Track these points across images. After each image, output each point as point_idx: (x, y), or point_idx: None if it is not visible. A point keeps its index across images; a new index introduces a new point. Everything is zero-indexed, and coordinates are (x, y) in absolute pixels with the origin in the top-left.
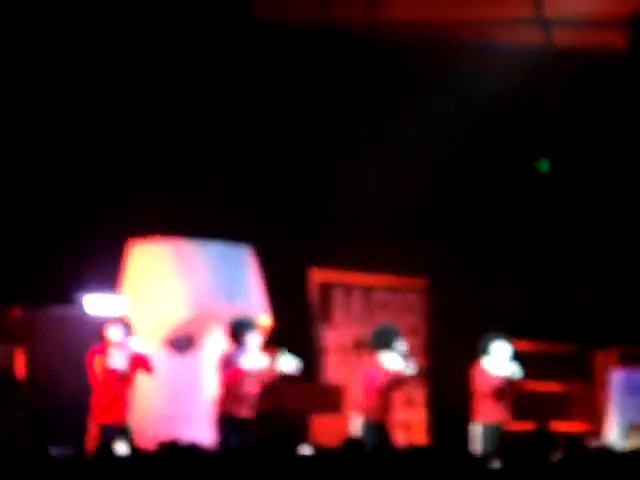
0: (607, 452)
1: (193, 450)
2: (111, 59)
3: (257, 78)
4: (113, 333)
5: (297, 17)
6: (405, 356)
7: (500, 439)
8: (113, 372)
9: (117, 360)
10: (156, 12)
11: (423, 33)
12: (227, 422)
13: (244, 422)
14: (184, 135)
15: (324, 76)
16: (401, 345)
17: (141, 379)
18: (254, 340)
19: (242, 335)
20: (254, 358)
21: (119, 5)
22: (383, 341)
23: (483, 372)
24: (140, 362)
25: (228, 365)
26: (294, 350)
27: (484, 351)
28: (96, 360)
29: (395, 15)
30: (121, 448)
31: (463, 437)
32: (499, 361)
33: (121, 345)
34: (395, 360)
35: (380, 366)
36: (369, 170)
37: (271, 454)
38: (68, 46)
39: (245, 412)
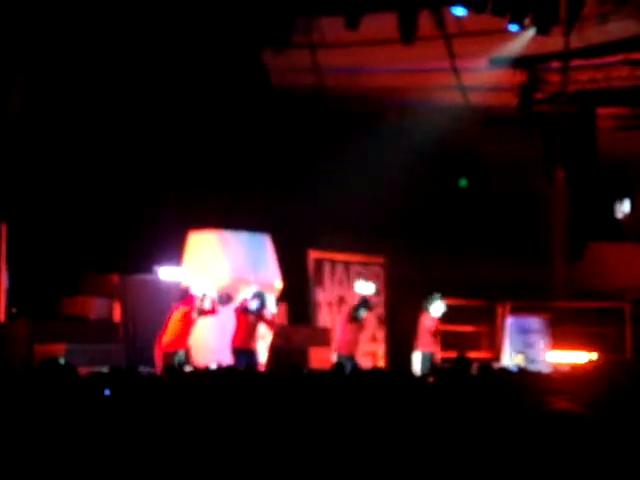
0: (504, 369)
1: (236, 371)
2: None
3: (274, 125)
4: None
5: (298, 86)
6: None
7: (433, 363)
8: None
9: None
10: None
11: (380, 94)
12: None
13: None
14: (224, 163)
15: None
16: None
17: (198, 323)
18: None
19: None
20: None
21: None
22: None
23: (425, 320)
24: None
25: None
26: (297, 304)
27: (427, 307)
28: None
29: (367, 83)
30: (187, 367)
31: (409, 362)
32: (435, 313)
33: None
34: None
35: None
36: (347, 188)
37: (285, 374)
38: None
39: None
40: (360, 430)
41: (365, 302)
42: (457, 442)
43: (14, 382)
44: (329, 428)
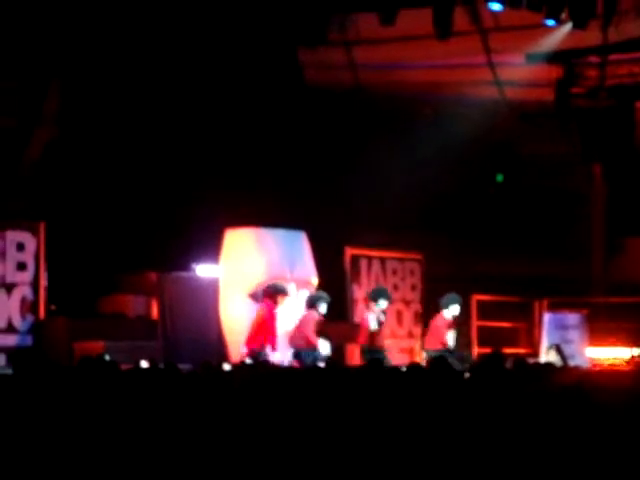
0: (540, 365)
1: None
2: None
3: (309, 123)
4: None
5: (333, 83)
6: (382, 311)
7: (469, 359)
8: None
9: None
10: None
11: (415, 91)
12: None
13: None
14: (260, 161)
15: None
16: (383, 303)
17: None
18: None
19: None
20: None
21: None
22: (372, 296)
23: (438, 319)
24: None
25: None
26: (333, 301)
27: (445, 306)
28: None
29: (402, 79)
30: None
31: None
32: (453, 312)
33: None
34: (375, 312)
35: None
36: (383, 185)
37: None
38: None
39: None
40: (396, 424)
41: (376, 294)
42: (489, 437)
43: (57, 378)
44: (359, 423)
